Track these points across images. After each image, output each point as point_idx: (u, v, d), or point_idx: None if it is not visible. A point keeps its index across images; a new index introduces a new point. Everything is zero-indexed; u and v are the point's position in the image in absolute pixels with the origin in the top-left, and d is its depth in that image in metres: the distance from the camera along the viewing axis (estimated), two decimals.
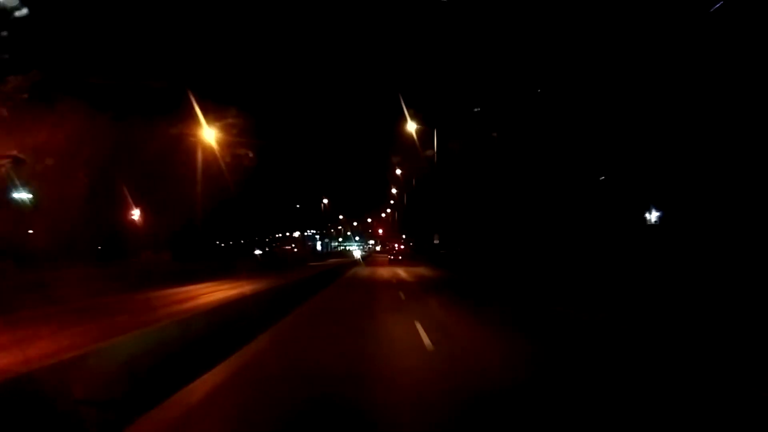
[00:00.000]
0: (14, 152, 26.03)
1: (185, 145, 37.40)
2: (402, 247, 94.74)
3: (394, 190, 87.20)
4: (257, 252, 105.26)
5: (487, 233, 52.12)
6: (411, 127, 52.58)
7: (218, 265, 39.69)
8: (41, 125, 25.76)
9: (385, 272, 39.96)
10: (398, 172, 73.80)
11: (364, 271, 44.93)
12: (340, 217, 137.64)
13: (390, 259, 71.47)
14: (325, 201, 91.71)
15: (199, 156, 36.82)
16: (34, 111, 24.91)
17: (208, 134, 36.64)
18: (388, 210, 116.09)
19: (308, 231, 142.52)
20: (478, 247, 49.75)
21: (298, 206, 79.05)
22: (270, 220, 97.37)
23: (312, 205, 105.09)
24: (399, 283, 27.58)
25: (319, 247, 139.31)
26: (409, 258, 72.99)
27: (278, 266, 50.23)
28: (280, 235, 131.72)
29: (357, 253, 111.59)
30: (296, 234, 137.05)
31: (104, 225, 35.61)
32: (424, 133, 59.98)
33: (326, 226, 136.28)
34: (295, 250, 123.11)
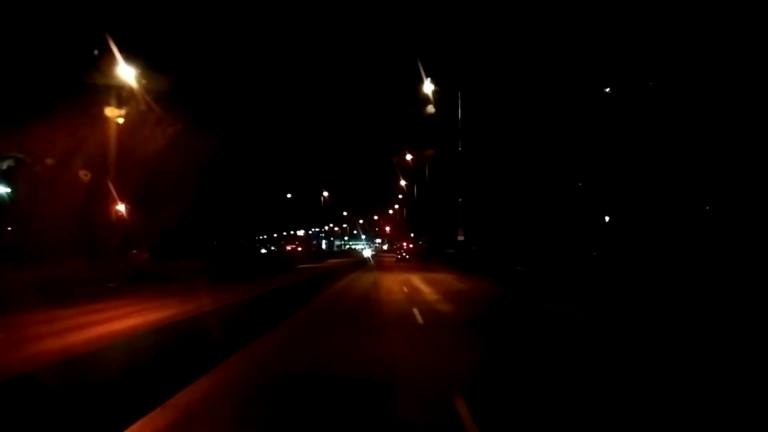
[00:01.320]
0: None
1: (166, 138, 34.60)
2: (411, 246, 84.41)
3: (402, 182, 71.79)
4: (263, 251, 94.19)
5: (535, 227, 37.40)
6: (428, 88, 37.21)
7: (197, 267, 31.99)
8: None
9: (393, 282, 24.34)
10: (408, 157, 58.23)
11: (366, 278, 29.13)
12: (345, 213, 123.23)
13: (397, 258, 61.20)
14: (326, 194, 75.74)
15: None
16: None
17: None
18: (396, 206, 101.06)
19: (313, 229, 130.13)
20: (530, 246, 35.37)
21: (289, 195, 63.43)
22: (266, 218, 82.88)
23: (315, 202, 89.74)
24: (434, 320, 11.99)
25: (324, 245, 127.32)
26: (420, 258, 61.94)
27: (260, 270, 35.66)
28: (285, 233, 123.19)
29: (367, 252, 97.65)
30: (300, 233, 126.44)
31: (87, 221, 32.24)
32: (439, 111, 45.29)
33: (327, 222, 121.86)
34: (299, 249, 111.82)
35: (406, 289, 19.78)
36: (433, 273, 32.65)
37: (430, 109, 45.68)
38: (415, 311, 12.98)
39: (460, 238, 37.85)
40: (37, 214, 27.45)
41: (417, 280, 25.39)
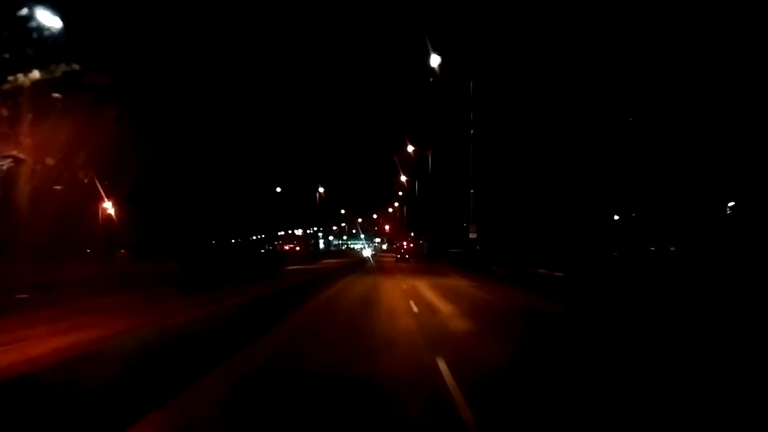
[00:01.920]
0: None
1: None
2: (411, 245, 79.92)
3: (403, 178, 65.46)
4: (262, 251, 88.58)
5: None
6: (435, 62, 31.15)
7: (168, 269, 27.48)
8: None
9: (396, 293, 17.81)
10: (410, 149, 51.75)
11: (361, 285, 22.59)
12: (342, 212, 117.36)
13: (397, 258, 57.06)
14: (321, 190, 69.12)
15: None
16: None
17: None
18: (396, 204, 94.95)
19: (312, 228, 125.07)
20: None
21: (278, 189, 56.76)
22: (260, 216, 76.37)
23: (312, 201, 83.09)
24: (494, 405, 5.35)
25: (322, 245, 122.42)
26: (420, 258, 57.30)
27: (240, 274, 29.08)
28: (283, 233, 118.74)
29: (366, 252, 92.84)
30: (299, 232, 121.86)
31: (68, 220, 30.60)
32: (445, 98, 39.57)
33: (325, 221, 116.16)
34: (297, 249, 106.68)
35: (415, 308, 13.14)
36: (443, 277, 26.13)
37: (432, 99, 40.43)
38: (443, 368, 6.45)
39: (472, 235, 31.38)
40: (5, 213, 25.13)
41: (426, 289, 18.82)
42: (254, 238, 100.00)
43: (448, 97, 39.21)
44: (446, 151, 51.17)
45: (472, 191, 31.03)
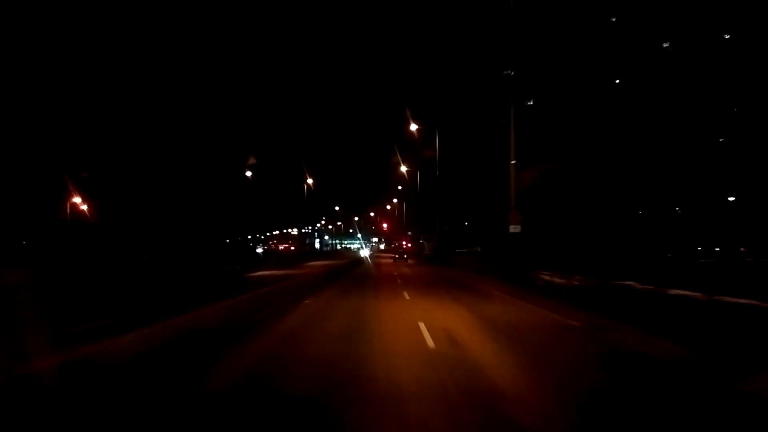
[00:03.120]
0: None
1: None
2: (410, 245, 73.58)
3: (403, 168, 54.53)
4: (259, 250, 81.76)
5: None
6: None
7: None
8: None
9: (419, 382, 6.24)
10: (413, 127, 40.42)
11: (338, 320, 11.12)
12: (336, 208, 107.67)
13: (395, 258, 51.70)
14: (310, 181, 57.78)
15: None
16: None
17: None
18: (395, 200, 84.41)
19: (308, 228, 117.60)
20: None
21: (247, 174, 45.57)
22: (245, 215, 65.58)
23: (306, 199, 72.44)
24: None
25: (318, 245, 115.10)
26: (422, 260, 49.00)
27: (170, 288, 18.64)
28: (277, 232, 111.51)
29: (364, 252, 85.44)
30: (294, 231, 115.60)
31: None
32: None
33: (316, 216, 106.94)
34: (292, 248, 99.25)
35: None
36: (485, 299, 14.66)
37: None
38: None
39: (514, 228, 19.97)
40: None
41: (493, 353, 7.42)
42: (249, 238, 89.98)
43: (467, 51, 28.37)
44: (458, 130, 40.33)
45: (513, 162, 19.54)
